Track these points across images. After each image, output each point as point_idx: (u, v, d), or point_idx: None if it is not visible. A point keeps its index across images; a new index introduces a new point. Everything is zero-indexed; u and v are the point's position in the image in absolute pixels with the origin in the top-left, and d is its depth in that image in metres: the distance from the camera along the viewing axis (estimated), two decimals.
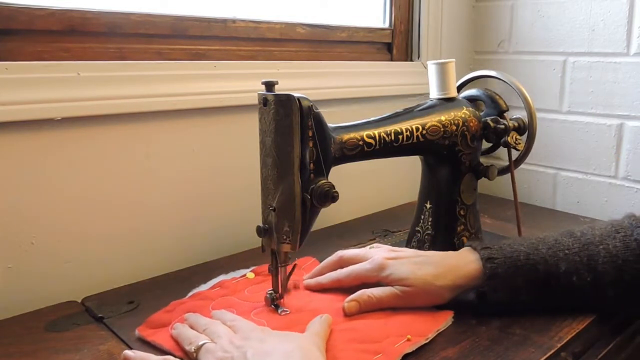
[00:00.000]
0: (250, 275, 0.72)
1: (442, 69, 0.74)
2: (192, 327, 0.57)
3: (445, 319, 0.59)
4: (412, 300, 0.61)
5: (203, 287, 0.69)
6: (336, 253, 0.70)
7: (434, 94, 0.75)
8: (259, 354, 0.49)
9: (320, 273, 0.69)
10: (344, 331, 0.57)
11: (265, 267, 0.71)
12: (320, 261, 0.76)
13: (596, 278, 0.59)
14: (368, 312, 0.61)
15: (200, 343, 0.52)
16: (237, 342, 0.52)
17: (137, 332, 0.58)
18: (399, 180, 1.12)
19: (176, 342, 0.55)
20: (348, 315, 0.60)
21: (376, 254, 0.65)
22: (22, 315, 0.64)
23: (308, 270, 0.73)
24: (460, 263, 0.62)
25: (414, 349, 0.54)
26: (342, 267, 0.68)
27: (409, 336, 0.55)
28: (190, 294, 0.67)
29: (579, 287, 0.60)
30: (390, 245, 0.85)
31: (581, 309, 0.62)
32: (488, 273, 0.60)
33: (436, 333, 0.57)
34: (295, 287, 0.68)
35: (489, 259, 0.60)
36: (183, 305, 0.63)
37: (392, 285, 0.62)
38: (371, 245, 0.73)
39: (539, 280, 0.60)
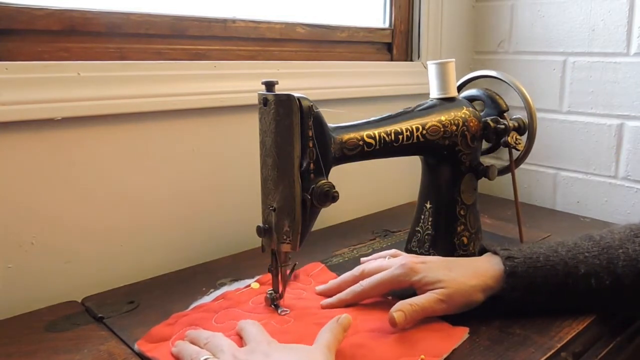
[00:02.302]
0: (255, 285, 0.69)
1: (442, 69, 0.74)
2: (193, 343, 0.55)
3: (461, 337, 0.57)
4: (452, 304, 0.59)
5: (206, 299, 0.66)
6: (357, 267, 0.67)
7: (434, 94, 0.75)
8: None
9: (339, 288, 0.65)
10: (353, 347, 0.54)
11: (270, 276, 0.68)
12: (329, 267, 0.75)
13: (615, 281, 0.59)
14: (378, 326, 0.58)
15: (202, 359, 0.50)
16: (240, 357, 0.50)
17: (136, 346, 0.56)
18: (399, 180, 1.12)
19: (177, 358, 0.53)
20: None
21: (402, 260, 0.63)
22: (22, 315, 0.64)
23: (316, 277, 0.71)
24: (487, 265, 0.62)
25: None
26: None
27: (422, 356, 0.52)
28: (193, 306, 0.65)
29: (596, 290, 0.59)
30: (390, 245, 0.85)
31: (589, 309, 0.62)
32: (508, 271, 0.59)
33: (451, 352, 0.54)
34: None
35: (509, 258, 0.61)
36: (185, 318, 0.61)
37: (425, 289, 0.59)
38: (388, 256, 0.70)
39: (558, 281, 0.60)
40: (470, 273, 0.61)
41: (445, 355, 0.54)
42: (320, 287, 0.67)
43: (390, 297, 0.64)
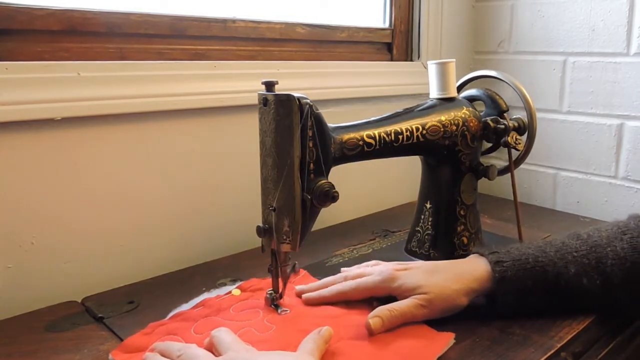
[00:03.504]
0: (236, 292, 0.67)
1: (442, 69, 0.74)
2: (164, 355, 0.51)
3: (446, 343, 0.55)
4: (434, 309, 0.58)
5: (184, 307, 0.64)
6: (339, 274, 0.67)
7: (434, 94, 0.75)
8: None
9: (319, 289, 0.65)
10: (336, 355, 0.52)
11: (251, 283, 0.69)
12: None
13: (605, 280, 0.59)
14: (361, 334, 0.56)
15: None
16: None
17: (110, 356, 0.54)
18: (399, 180, 1.12)
19: None
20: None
21: (382, 268, 0.63)
22: (22, 315, 0.64)
23: (299, 283, 0.69)
24: (471, 268, 0.61)
25: None
26: None
27: None
28: (171, 314, 0.62)
29: (588, 290, 0.59)
30: (390, 244, 0.85)
31: (586, 309, 0.62)
32: (497, 277, 0.59)
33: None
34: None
35: (498, 263, 0.60)
36: (163, 327, 0.58)
37: (406, 296, 0.59)
38: (373, 264, 0.69)
39: (549, 282, 0.59)
40: (453, 277, 0.60)
41: None
42: (300, 286, 0.66)
43: (375, 303, 0.62)
